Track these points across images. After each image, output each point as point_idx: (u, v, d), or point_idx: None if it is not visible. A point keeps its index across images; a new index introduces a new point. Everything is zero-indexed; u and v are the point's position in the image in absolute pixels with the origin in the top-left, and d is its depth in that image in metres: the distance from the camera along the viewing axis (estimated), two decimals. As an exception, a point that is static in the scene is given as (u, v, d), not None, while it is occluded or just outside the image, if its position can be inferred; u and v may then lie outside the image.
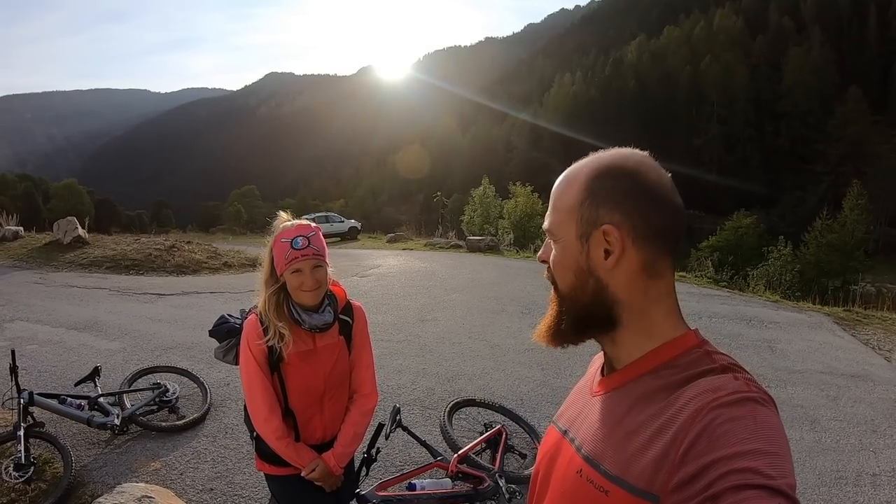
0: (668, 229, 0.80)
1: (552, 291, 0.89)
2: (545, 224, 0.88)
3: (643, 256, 0.79)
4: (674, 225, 0.80)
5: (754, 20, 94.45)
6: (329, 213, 33.33)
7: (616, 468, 0.73)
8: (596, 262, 0.80)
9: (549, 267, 0.88)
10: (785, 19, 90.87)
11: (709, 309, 8.47)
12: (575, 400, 0.94)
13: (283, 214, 2.03)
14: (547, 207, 0.89)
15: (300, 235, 1.91)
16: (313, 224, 2.00)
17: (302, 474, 2.01)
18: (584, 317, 0.83)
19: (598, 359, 0.93)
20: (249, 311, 2.10)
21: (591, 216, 0.80)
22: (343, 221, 30.90)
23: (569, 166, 0.87)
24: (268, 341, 1.92)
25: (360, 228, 30.87)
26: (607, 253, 0.79)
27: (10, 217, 14.94)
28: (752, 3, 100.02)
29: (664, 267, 0.81)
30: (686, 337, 0.81)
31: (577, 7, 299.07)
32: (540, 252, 0.91)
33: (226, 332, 2.26)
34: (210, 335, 2.31)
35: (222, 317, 2.32)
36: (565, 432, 0.89)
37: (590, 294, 0.82)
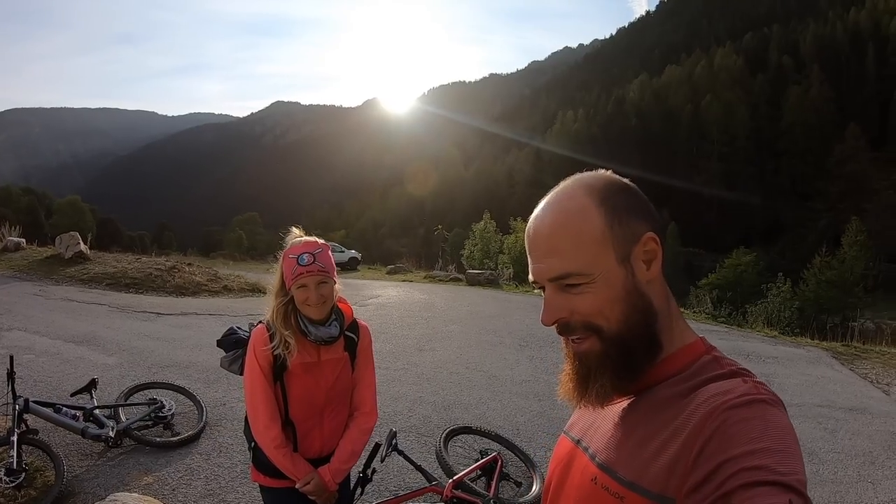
0: (664, 229, 0.85)
1: (573, 347, 0.84)
2: (558, 271, 0.80)
3: (662, 258, 0.82)
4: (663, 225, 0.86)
5: (754, 59, 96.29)
6: (330, 243, 33.15)
7: (631, 474, 0.74)
8: (640, 277, 0.80)
9: (570, 321, 0.82)
10: (785, 58, 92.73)
11: (707, 343, 8.40)
12: (587, 411, 0.92)
13: (295, 230, 2.10)
14: None
15: (306, 252, 1.97)
16: (321, 241, 2.05)
17: (296, 486, 2.02)
18: (643, 344, 0.80)
19: None
20: (258, 323, 2.13)
21: (627, 233, 0.79)
22: (344, 251, 31.01)
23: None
24: (274, 349, 1.97)
25: (360, 259, 30.89)
26: (647, 263, 0.80)
27: (13, 228, 14.88)
28: (752, 43, 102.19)
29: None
30: (695, 345, 0.83)
31: (581, 45, 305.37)
32: (547, 314, 0.82)
33: (233, 343, 2.31)
34: (218, 345, 2.36)
35: (231, 328, 2.37)
36: (578, 441, 0.89)
37: (641, 314, 0.79)
